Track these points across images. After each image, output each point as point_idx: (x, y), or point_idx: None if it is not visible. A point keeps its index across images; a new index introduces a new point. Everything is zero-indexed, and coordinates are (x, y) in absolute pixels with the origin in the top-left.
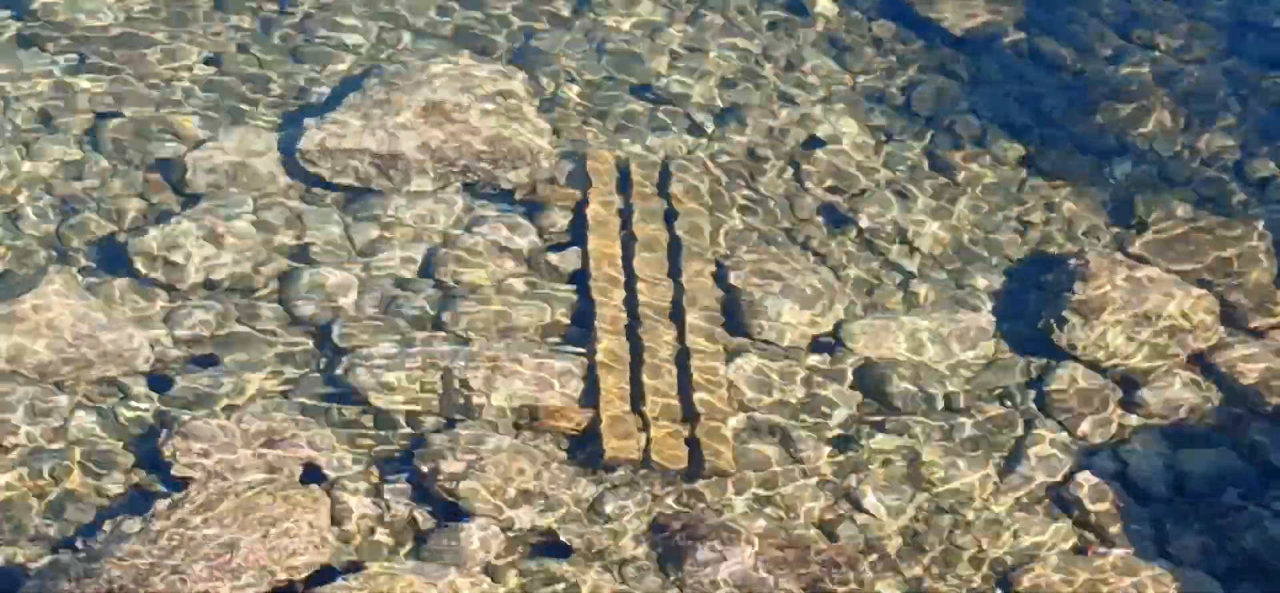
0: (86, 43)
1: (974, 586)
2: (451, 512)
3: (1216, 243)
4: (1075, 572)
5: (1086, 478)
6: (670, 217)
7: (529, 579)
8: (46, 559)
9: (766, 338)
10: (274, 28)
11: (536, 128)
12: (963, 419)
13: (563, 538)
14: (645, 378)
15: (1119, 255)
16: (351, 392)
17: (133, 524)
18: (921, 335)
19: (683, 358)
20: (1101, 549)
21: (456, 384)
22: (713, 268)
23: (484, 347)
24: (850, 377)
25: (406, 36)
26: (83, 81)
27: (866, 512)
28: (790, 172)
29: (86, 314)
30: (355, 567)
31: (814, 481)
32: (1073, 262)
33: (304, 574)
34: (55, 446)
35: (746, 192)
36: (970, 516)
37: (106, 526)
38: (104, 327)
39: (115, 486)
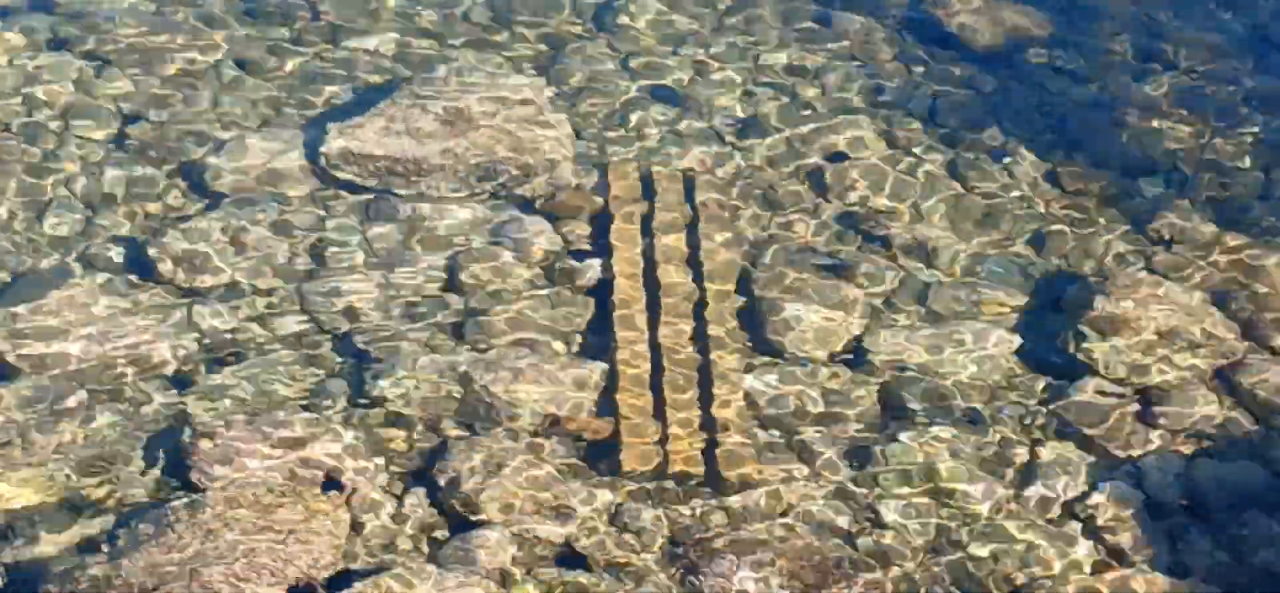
0: (112, 44)
1: None
2: (469, 520)
3: (1239, 261)
4: (1092, 588)
5: (1104, 494)
6: (692, 226)
7: (546, 589)
8: (66, 562)
9: (786, 348)
10: (299, 32)
11: (559, 136)
12: (981, 433)
13: (580, 548)
14: (665, 388)
15: (1141, 272)
16: (371, 398)
17: (152, 527)
18: (941, 348)
19: (703, 368)
20: (1119, 568)
21: (477, 392)
22: (735, 278)
23: (504, 354)
24: (870, 388)
25: (430, 43)
26: (108, 83)
27: (884, 525)
28: (812, 183)
29: (109, 315)
30: (373, 573)
31: (832, 492)
32: (1094, 278)
33: (322, 580)
34: (75, 446)
35: (768, 202)
36: (987, 530)
37: (126, 528)
38: (126, 328)
39: (134, 488)
